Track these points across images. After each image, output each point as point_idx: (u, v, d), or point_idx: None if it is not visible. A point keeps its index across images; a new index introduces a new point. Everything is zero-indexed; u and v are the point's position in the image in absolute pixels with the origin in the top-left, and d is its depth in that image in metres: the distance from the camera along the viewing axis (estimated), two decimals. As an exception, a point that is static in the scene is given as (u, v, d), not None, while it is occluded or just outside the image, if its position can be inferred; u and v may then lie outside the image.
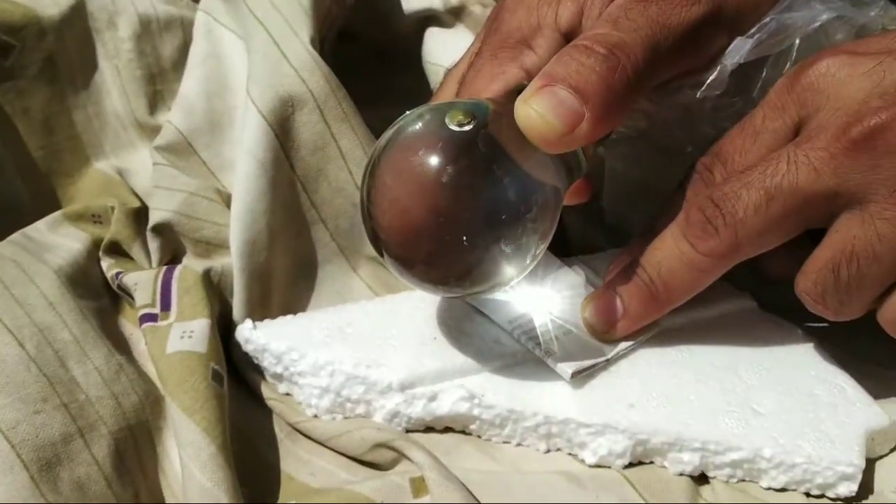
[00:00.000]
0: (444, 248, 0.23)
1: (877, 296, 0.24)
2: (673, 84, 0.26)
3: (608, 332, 0.27)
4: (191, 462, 0.23)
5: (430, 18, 0.40)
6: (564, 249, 0.34)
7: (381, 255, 0.24)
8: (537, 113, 0.22)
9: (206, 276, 0.30)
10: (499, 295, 0.28)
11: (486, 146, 0.23)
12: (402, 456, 0.25)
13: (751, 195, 0.24)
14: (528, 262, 0.24)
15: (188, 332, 0.27)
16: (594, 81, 0.23)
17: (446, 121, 0.22)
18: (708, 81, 0.26)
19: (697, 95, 0.26)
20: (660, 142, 0.28)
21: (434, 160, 0.22)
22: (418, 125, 0.23)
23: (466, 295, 0.25)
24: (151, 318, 0.28)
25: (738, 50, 0.25)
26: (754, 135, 0.25)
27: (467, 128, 0.22)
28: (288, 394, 0.28)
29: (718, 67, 0.26)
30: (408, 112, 0.24)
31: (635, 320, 0.27)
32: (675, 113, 0.27)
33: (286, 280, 0.31)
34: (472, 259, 0.23)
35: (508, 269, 0.23)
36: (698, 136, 0.27)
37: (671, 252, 0.25)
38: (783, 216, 0.24)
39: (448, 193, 0.22)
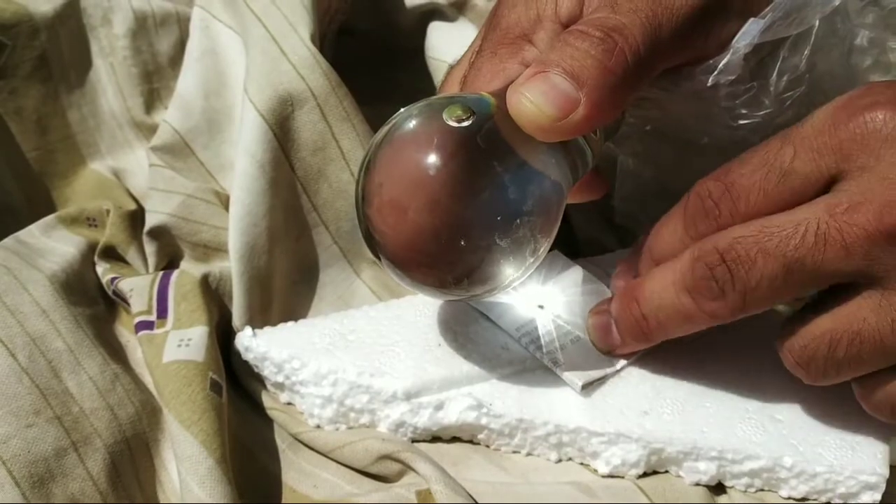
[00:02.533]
0: (442, 248, 0.22)
1: (861, 375, 0.23)
2: (684, 70, 0.25)
3: (608, 353, 0.26)
4: (188, 476, 0.22)
5: (432, 12, 0.39)
6: (572, 250, 0.33)
7: (378, 259, 0.23)
8: (529, 99, 0.21)
9: (205, 281, 0.29)
10: (504, 298, 0.27)
11: (486, 142, 0.22)
12: (407, 468, 0.24)
13: (767, 265, 0.21)
14: (530, 262, 0.23)
15: (185, 341, 0.26)
16: (590, 65, 0.21)
17: (444, 116, 0.21)
18: (720, 66, 0.24)
19: (710, 81, 0.24)
20: (673, 135, 0.27)
21: (431, 157, 0.21)
22: (414, 121, 0.22)
23: (468, 298, 0.24)
24: (147, 325, 0.27)
25: (751, 32, 0.24)
26: (780, 174, 0.22)
27: (466, 123, 0.21)
28: (290, 403, 0.27)
29: (731, 51, 0.24)
30: (404, 108, 0.23)
31: (630, 349, 0.26)
32: (687, 101, 0.26)
33: (287, 285, 0.30)
34: (472, 260, 0.22)
35: (510, 270, 0.22)
36: (714, 126, 0.26)
37: (670, 301, 0.23)
38: (797, 287, 0.22)
39: (446, 192, 0.21)
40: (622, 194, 0.30)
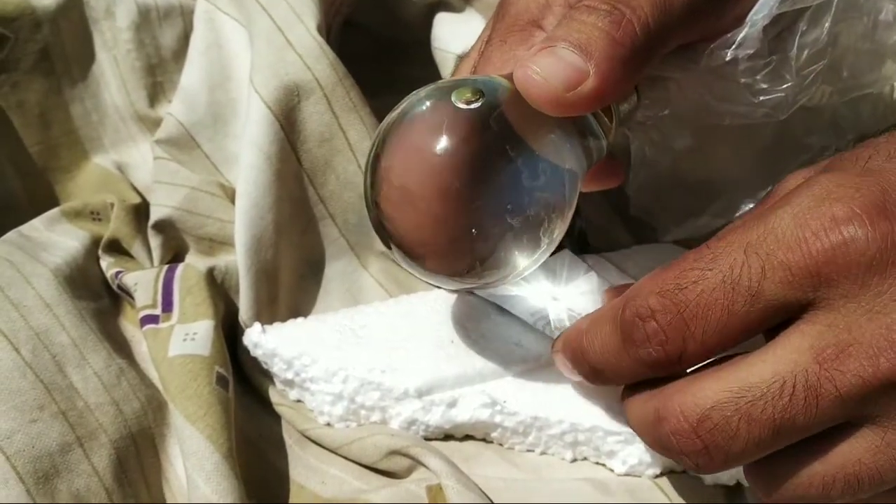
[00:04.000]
0: (453, 236, 0.21)
1: None
2: (699, 47, 0.24)
3: None
4: (195, 472, 0.22)
5: (438, 3, 0.38)
6: (581, 241, 0.33)
7: (388, 247, 0.22)
8: (536, 72, 0.20)
9: (210, 274, 0.29)
10: (517, 291, 0.27)
11: (498, 125, 0.21)
12: (417, 463, 0.24)
13: (752, 432, 0.18)
14: (543, 248, 0.22)
15: (191, 335, 0.26)
16: (597, 37, 0.20)
17: (453, 99, 0.21)
18: (738, 40, 0.23)
19: (727, 56, 0.23)
20: (692, 118, 0.26)
21: (441, 141, 0.20)
22: (424, 105, 0.21)
23: (479, 286, 0.24)
24: (152, 319, 0.27)
25: (767, 3, 0.23)
26: (748, 296, 0.18)
27: (475, 105, 0.21)
28: (299, 401, 0.27)
29: (748, 24, 0.24)
30: (413, 92, 0.22)
31: None
32: (705, 80, 0.24)
33: (294, 278, 0.30)
34: (485, 247, 0.21)
35: (523, 257, 0.22)
36: (734, 105, 0.24)
37: (648, 439, 0.21)
38: (786, 443, 0.19)
39: (457, 177, 0.20)
40: (637, 184, 0.30)
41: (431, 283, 0.23)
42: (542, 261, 0.22)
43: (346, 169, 0.29)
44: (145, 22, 0.36)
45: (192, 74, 0.33)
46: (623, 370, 0.21)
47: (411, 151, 0.21)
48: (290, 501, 0.24)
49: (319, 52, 0.29)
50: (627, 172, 0.29)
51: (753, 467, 0.20)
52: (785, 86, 0.23)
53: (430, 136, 0.21)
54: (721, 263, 0.19)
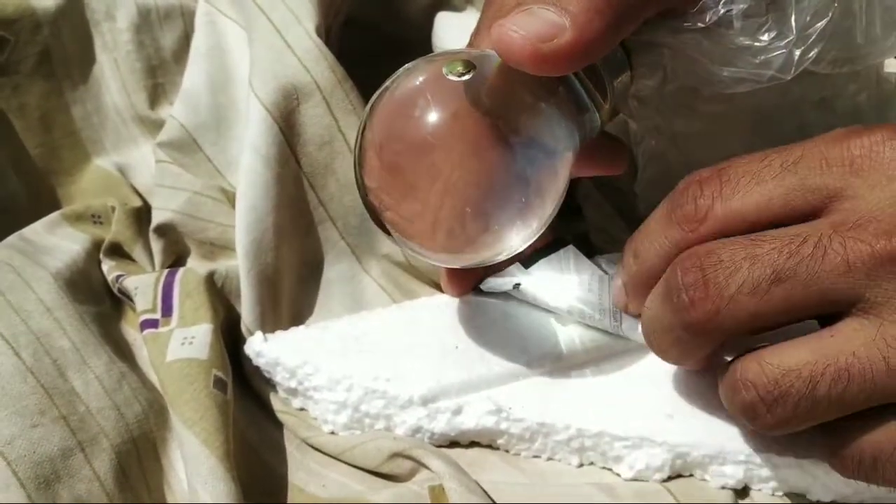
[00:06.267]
0: (438, 210, 0.21)
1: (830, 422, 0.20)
2: (689, 8, 0.23)
3: None
4: (192, 477, 0.22)
5: (440, 2, 0.38)
6: (583, 240, 0.32)
7: (379, 226, 0.22)
8: (512, 29, 0.20)
9: (210, 279, 0.29)
10: (521, 293, 0.27)
11: (490, 98, 0.20)
12: (420, 465, 0.24)
13: (753, 270, 0.19)
14: (537, 223, 0.21)
15: (189, 339, 0.26)
16: None
17: (444, 71, 0.20)
18: None
19: (720, 13, 0.22)
20: (692, 92, 0.25)
21: (430, 115, 0.20)
22: (413, 78, 0.21)
23: (476, 264, 0.23)
24: (152, 324, 0.27)
25: None
26: (781, 167, 0.20)
27: (466, 77, 0.20)
28: (303, 409, 0.27)
29: None
30: (403, 66, 0.22)
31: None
32: (701, 43, 0.23)
33: (295, 281, 0.30)
34: (475, 223, 0.21)
35: (515, 234, 0.21)
36: (736, 68, 0.23)
37: (656, 315, 0.22)
38: (782, 304, 0.19)
39: (446, 152, 0.20)
40: (645, 180, 0.29)
41: (421, 258, 0.23)
42: (537, 237, 0.22)
43: (346, 172, 0.29)
44: (145, 23, 0.36)
45: (193, 77, 0.33)
46: (659, 239, 0.22)
47: (400, 125, 0.21)
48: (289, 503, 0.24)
49: (318, 55, 0.29)
50: (634, 170, 0.29)
51: (748, 360, 0.20)
52: (786, 41, 0.22)
53: (421, 109, 0.20)
54: (767, 150, 0.21)
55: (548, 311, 0.27)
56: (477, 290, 0.28)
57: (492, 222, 0.21)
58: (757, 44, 0.23)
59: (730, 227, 0.21)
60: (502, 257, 0.22)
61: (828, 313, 0.20)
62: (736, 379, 0.20)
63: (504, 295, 0.28)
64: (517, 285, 0.27)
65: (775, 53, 0.23)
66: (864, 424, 0.19)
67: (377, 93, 0.21)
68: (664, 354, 0.23)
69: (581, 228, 0.33)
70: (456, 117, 0.20)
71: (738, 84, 0.23)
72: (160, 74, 0.37)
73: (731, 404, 0.21)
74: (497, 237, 0.21)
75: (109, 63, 0.36)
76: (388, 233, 0.22)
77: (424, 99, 0.20)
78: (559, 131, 0.21)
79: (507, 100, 0.21)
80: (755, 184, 0.20)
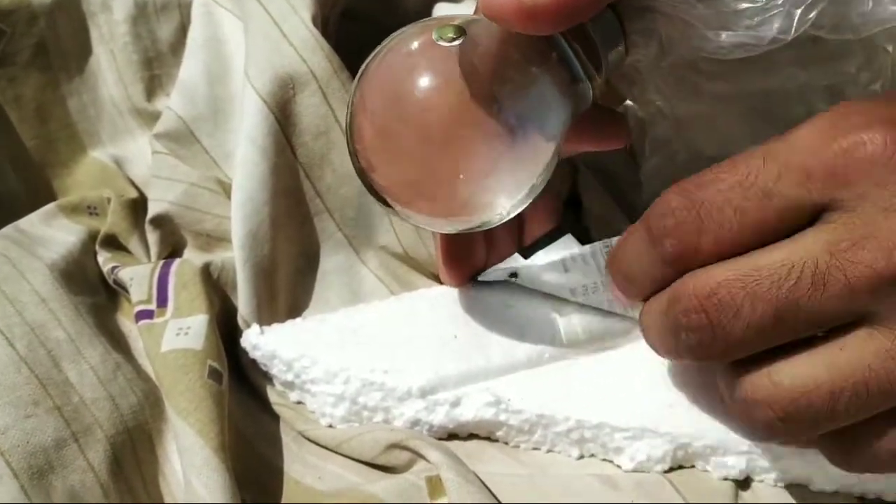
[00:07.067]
0: (431, 175, 0.21)
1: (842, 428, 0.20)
2: None
3: None
4: (187, 468, 0.22)
5: (438, -6, 0.38)
6: (583, 230, 0.32)
7: (371, 192, 0.22)
8: None
9: (206, 270, 0.28)
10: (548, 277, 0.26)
11: (481, 63, 0.20)
12: (417, 456, 0.23)
13: (755, 311, 0.18)
14: (526, 189, 0.21)
15: (184, 329, 0.26)
16: None
17: (434, 37, 0.20)
18: None
19: None
20: (694, 65, 0.25)
21: (422, 79, 0.20)
22: (404, 44, 0.21)
23: (465, 228, 0.23)
24: (147, 314, 0.27)
25: None
26: (761, 194, 0.19)
27: (456, 42, 0.20)
28: (300, 402, 0.27)
29: None
30: (394, 33, 0.22)
31: None
32: (691, 7, 0.22)
33: (292, 273, 0.29)
34: (466, 186, 0.21)
35: (504, 198, 0.21)
36: (732, 34, 0.22)
37: (658, 336, 0.21)
38: (787, 334, 0.19)
39: (436, 114, 0.20)
40: (650, 169, 0.29)
41: (413, 224, 0.23)
42: (528, 203, 0.22)
43: (343, 162, 0.29)
44: (142, 15, 0.36)
45: (190, 68, 0.33)
46: (647, 270, 0.21)
47: (391, 90, 0.21)
48: (285, 497, 0.24)
49: (315, 44, 0.28)
50: (635, 162, 0.28)
51: (757, 377, 0.19)
52: (783, 0, 0.21)
53: (411, 74, 0.20)
54: (739, 168, 0.19)
55: (548, 294, 0.27)
56: (475, 282, 0.28)
57: (483, 186, 0.21)
58: (753, 5, 0.22)
59: (721, 256, 0.20)
60: (495, 221, 0.22)
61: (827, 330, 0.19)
62: (746, 398, 0.20)
63: (503, 285, 0.27)
64: (515, 274, 0.27)
65: (773, 13, 0.22)
66: (879, 425, 0.19)
67: (368, 59, 0.21)
68: (667, 356, 0.23)
69: (581, 222, 0.33)
70: (447, 82, 0.20)
71: (737, 49, 0.23)
72: (157, 66, 0.37)
73: (742, 422, 0.20)
74: (489, 201, 0.21)
75: (106, 55, 0.36)
76: (381, 200, 0.22)
77: (415, 64, 0.20)
78: (551, 98, 0.21)
79: (498, 64, 0.21)
80: (739, 215, 0.19)
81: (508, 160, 0.20)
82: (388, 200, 0.22)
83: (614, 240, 0.26)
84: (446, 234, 0.27)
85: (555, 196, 0.31)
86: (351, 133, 0.21)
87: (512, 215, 0.22)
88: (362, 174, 0.22)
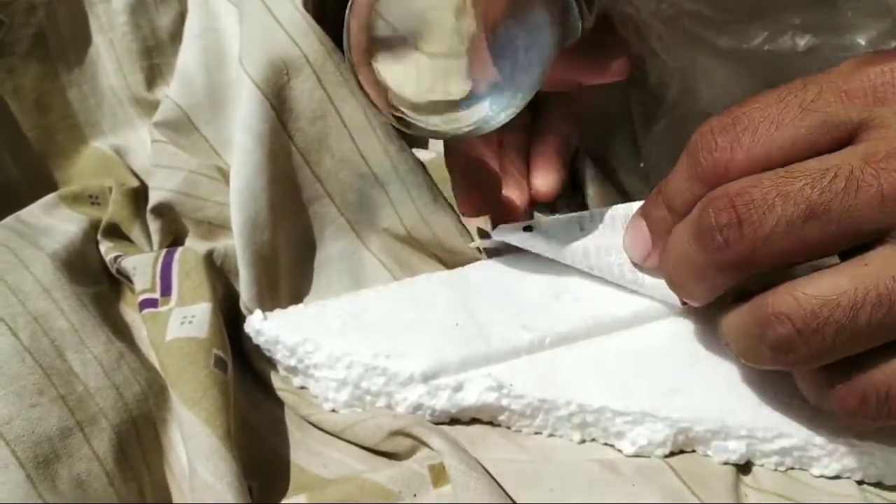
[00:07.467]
0: (429, 73, 0.22)
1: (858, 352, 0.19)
2: None
3: None
4: (193, 456, 0.22)
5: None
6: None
7: (373, 106, 0.24)
8: None
9: (209, 257, 0.28)
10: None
11: None
12: (420, 443, 0.23)
13: (786, 209, 0.19)
14: (519, 96, 0.23)
15: (189, 318, 0.26)
16: None
17: None
18: None
19: None
20: (700, 14, 0.24)
21: None
22: None
23: (459, 132, 0.24)
24: (151, 303, 0.27)
25: None
26: (799, 109, 0.20)
27: None
28: (303, 387, 0.27)
29: None
30: None
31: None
32: None
33: (293, 259, 0.29)
34: (458, 86, 0.23)
35: (495, 105, 0.23)
36: None
37: (683, 253, 0.21)
38: (816, 240, 0.19)
39: (435, 11, 0.22)
40: (656, 133, 0.28)
41: (413, 123, 0.24)
42: (517, 109, 0.23)
43: (341, 146, 0.29)
44: (141, 4, 0.36)
45: (188, 57, 0.33)
46: (685, 193, 0.21)
47: None
48: (292, 485, 0.24)
49: (306, 27, 0.28)
50: (636, 147, 0.28)
51: (780, 294, 0.19)
52: None
53: None
54: (779, 90, 0.20)
55: (551, 279, 0.26)
56: (486, 250, 0.28)
57: (474, 86, 0.22)
58: None
59: (751, 169, 0.20)
60: (483, 131, 0.24)
61: (858, 245, 0.19)
62: (768, 313, 0.19)
63: (505, 268, 0.27)
64: (530, 227, 0.27)
65: None
66: (874, 359, 0.19)
67: None
68: (683, 291, 0.23)
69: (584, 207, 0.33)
70: None
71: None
72: (156, 55, 0.37)
73: (760, 340, 0.20)
74: (479, 102, 0.23)
75: (105, 44, 0.36)
76: (376, 107, 0.23)
77: None
78: (542, 22, 0.23)
79: None
80: (775, 128, 0.20)
81: (502, 63, 0.22)
82: (393, 103, 0.23)
83: (635, 204, 0.26)
84: (461, 163, 0.28)
85: (564, 140, 0.31)
86: (348, 30, 0.22)
87: (503, 121, 0.24)
88: (357, 70, 0.23)
